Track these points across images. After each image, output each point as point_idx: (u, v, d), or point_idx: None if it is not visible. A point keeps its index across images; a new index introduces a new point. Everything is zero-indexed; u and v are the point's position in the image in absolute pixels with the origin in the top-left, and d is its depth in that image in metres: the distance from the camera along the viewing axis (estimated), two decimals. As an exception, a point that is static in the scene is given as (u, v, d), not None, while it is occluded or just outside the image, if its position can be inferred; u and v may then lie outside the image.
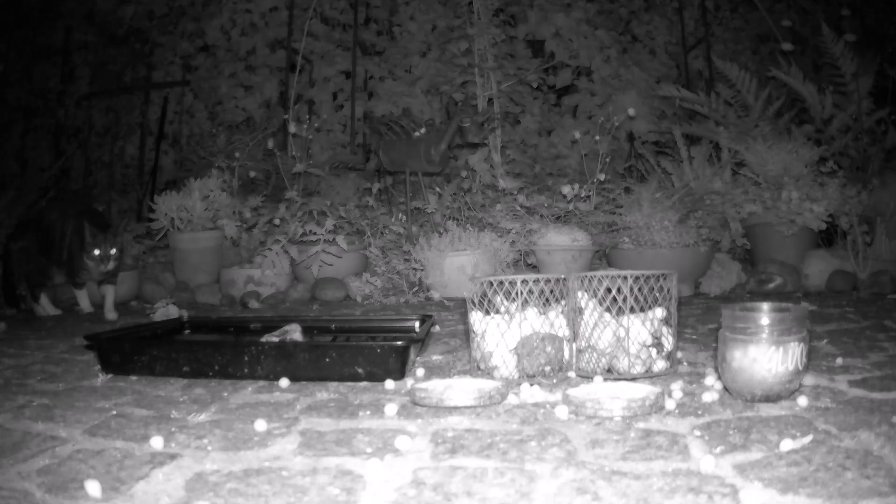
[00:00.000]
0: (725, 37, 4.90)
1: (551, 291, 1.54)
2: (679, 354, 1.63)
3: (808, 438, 0.98)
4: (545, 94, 4.78)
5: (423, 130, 3.64)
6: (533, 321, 1.51)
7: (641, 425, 1.08)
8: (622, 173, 4.05)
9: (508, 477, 0.88)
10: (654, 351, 1.47)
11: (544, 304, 1.54)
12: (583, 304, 1.50)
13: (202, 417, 1.21)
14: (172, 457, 0.99)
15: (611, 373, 1.45)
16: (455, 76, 4.43)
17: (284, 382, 1.46)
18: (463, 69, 4.39)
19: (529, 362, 1.46)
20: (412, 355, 1.57)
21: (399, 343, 1.48)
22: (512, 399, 1.28)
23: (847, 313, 2.38)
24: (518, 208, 3.53)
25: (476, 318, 1.54)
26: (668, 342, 1.48)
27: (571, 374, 1.50)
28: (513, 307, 1.51)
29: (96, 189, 5.33)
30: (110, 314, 2.95)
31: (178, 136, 5.35)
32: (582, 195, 3.50)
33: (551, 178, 4.15)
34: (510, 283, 1.50)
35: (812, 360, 1.50)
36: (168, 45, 5.33)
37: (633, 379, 1.41)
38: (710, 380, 1.36)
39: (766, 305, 1.21)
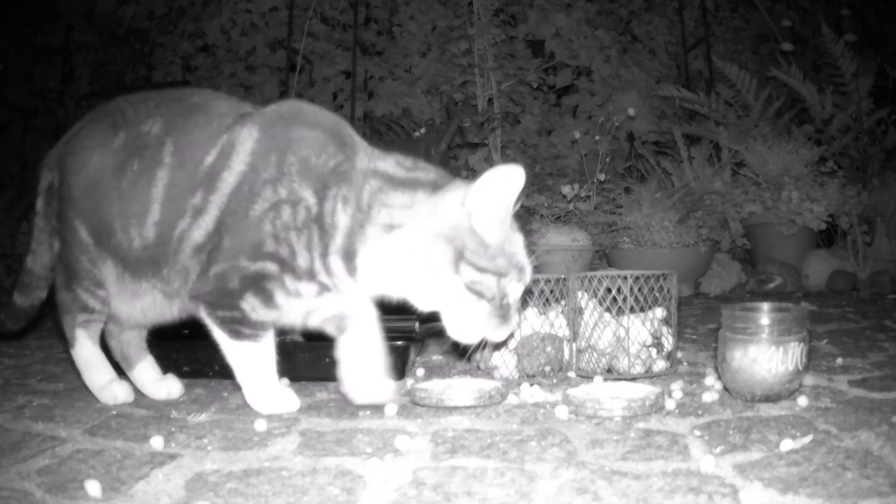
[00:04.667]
0: (725, 37, 4.89)
1: (551, 291, 1.54)
2: (679, 354, 1.63)
3: (808, 438, 0.98)
4: (545, 94, 4.77)
5: (423, 130, 3.63)
6: (533, 321, 1.51)
7: (641, 425, 1.08)
8: (622, 173, 4.05)
9: (508, 477, 0.88)
10: (654, 351, 1.47)
11: (544, 304, 1.55)
12: (583, 304, 1.50)
13: (202, 417, 1.21)
14: (172, 457, 0.99)
15: (611, 373, 1.45)
16: (455, 76, 4.42)
17: (284, 382, 1.45)
18: (463, 69, 4.38)
19: (529, 362, 1.46)
20: (412, 355, 1.57)
21: (399, 343, 1.48)
22: (512, 399, 1.28)
23: (847, 313, 2.38)
24: (518, 208, 3.52)
25: (476, 318, 1.53)
26: (668, 342, 1.48)
27: (571, 374, 1.50)
28: (513, 307, 1.51)
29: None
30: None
31: (179, 136, 5.33)
32: (582, 195, 3.49)
33: (551, 178, 4.14)
34: (510, 283, 1.50)
35: (812, 360, 1.50)
36: (168, 45, 5.32)
37: (633, 379, 1.40)
38: (710, 380, 1.36)
39: (766, 305, 1.21)
